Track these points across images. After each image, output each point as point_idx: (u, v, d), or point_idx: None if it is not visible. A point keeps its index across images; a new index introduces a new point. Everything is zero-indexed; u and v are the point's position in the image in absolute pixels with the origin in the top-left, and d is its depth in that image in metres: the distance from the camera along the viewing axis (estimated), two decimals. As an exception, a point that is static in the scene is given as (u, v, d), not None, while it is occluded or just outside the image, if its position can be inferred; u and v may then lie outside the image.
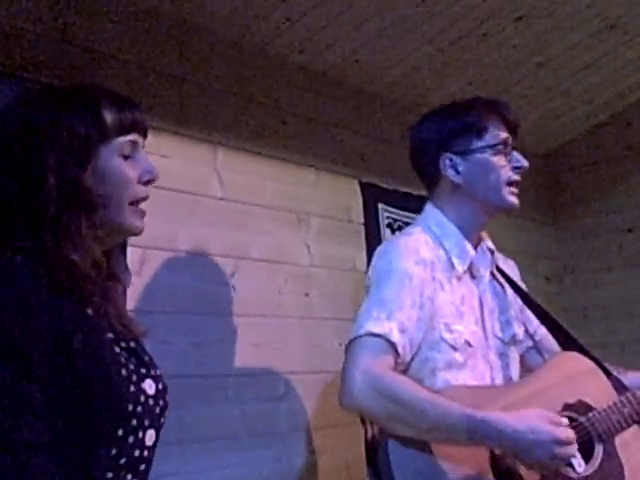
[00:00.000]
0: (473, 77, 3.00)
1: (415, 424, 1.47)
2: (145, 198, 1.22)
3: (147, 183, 1.22)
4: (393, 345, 1.54)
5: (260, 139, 2.49)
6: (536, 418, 1.47)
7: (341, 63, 2.72)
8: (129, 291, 1.96)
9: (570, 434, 1.48)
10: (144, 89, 2.16)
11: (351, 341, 1.56)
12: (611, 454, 1.66)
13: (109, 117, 1.17)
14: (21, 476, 0.99)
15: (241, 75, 2.47)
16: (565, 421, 1.52)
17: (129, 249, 1.99)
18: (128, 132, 1.20)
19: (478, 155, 1.71)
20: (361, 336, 1.55)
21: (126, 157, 1.19)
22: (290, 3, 2.31)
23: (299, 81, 2.68)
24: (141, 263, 2.05)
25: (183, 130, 2.25)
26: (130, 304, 1.96)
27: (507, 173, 1.71)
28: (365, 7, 2.41)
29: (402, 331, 1.56)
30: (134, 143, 1.21)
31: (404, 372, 1.60)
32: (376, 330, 1.54)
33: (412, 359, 1.62)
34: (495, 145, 1.71)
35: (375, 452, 1.57)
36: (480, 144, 1.71)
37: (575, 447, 1.49)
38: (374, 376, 1.49)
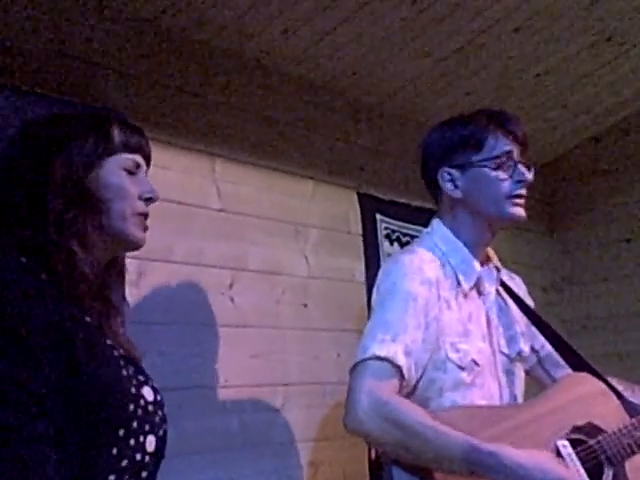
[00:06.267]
0: (471, 88, 3.01)
1: (418, 452, 1.46)
2: (145, 214, 1.29)
3: (147, 201, 1.29)
4: (398, 368, 1.52)
5: (258, 150, 2.49)
6: (546, 459, 1.46)
7: (339, 74, 2.73)
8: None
9: (579, 478, 1.47)
10: (142, 101, 2.16)
11: (356, 364, 1.54)
12: (621, 479, 1.62)
13: (117, 135, 1.27)
14: (24, 471, 0.99)
15: (239, 86, 2.48)
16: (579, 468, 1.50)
17: (127, 260, 1.99)
18: (133, 152, 1.29)
19: (476, 169, 1.68)
20: (366, 359, 1.53)
21: (129, 173, 1.27)
22: (288, 15, 2.32)
23: (297, 92, 2.69)
24: (139, 275, 2.04)
25: (181, 142, 2.25)
26: (128, 316, 1.96)
27: (508, 186, 1.67)
28: (363, 19, 2.42)
29: (407, 354, 1.54)
30: (138, 164, 1.29)
31: (410, 394, 1.58)
32: (381, 353, 1.52)
33: (418, 380, 1.60)
34: (494, 158, 1.67)
35: (379, 472, 1.55)
36: (478, 157, 1.67)
37: None
38: (380, 401, 1.47)
